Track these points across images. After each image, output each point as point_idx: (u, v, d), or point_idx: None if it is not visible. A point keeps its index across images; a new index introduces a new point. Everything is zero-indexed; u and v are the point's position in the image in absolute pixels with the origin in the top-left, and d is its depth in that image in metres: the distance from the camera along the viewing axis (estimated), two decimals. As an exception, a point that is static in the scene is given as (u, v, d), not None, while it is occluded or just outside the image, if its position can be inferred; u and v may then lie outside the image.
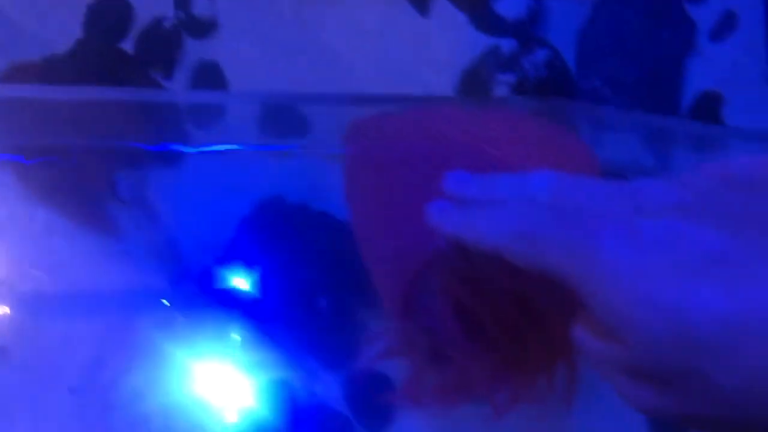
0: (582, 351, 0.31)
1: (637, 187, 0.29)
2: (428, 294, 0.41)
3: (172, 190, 0.67)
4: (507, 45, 0.71)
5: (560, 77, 0.72)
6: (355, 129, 0.51)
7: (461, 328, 0.39)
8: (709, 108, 0.74)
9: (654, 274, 0.26)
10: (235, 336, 0.65)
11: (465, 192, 0.37)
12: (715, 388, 0.25)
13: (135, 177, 0.65)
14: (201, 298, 0.65)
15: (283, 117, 0.66)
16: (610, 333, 0.27)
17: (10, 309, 0.64)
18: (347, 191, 0.51)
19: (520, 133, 0.47)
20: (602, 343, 0.29)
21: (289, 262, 0.66)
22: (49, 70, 0.63)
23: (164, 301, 0.65)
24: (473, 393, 0.42)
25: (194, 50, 0.69)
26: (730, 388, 0.25)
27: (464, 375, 0.41)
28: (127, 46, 0.68)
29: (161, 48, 0.69)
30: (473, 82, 0.70)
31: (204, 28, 0.69)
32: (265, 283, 0.66)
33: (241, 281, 0.66)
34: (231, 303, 0.66)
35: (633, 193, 0.29)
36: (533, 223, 0.30)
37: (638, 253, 0.26)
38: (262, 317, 0.66)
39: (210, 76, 0.69)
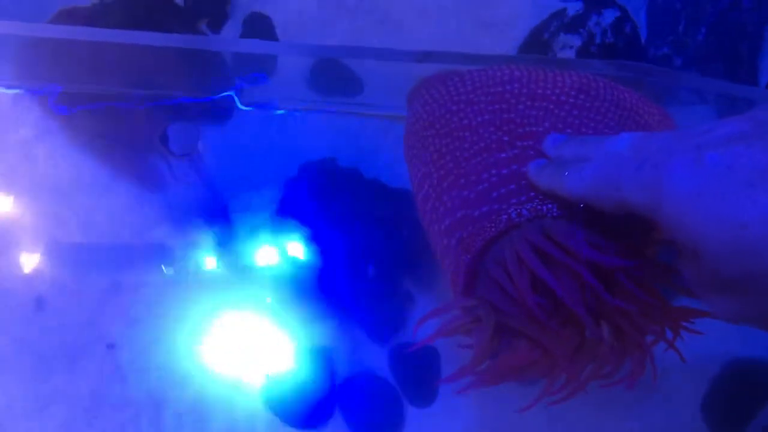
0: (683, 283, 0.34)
1: (704, 127, 0.32)
2: (498, 267, 0.38)
3: (221, 144, 0.64)
4: (573, 9, 0.67)
5: (629, 42, 0.68)
6: (420, 87, 0.48)
7: (540, 303, 0.36)
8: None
9: (715, 193, 0.29)
10: (273, 300, 0.63)
11: (559, 152, 0.40)
12: None
13: (187, 130, 0.63)
14: (244, 257, 0.63)
15: (335, 75, 0.63)
16: (688, 255, 0.31)
17: (49, 259, 0.63)
18: (408, 154, 0.48)
19: (591, 94, 0.44)
20: (686, 265, 0.32)
21: (336, 227, 0.64)
22: (97, 17, 0.61)
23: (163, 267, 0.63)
24: (540, 372, 0.40)
25: (244, 3, 0.67)
26: None
27: (534, 353, 0.39)
28: (177, -4, 0.66)
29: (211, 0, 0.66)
30: (536, 46, 0.66)
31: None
32: (310, 248, 0.64)
33: (285, 244, 0.64)
34: (274, 266, 0.64)
35: (700, 132, 0.32)
36: (614, 168, 0.34)
37: (701, 176, 0.29)
38: (307, 282, 0.64)
39: (260, 31, 0.67)
